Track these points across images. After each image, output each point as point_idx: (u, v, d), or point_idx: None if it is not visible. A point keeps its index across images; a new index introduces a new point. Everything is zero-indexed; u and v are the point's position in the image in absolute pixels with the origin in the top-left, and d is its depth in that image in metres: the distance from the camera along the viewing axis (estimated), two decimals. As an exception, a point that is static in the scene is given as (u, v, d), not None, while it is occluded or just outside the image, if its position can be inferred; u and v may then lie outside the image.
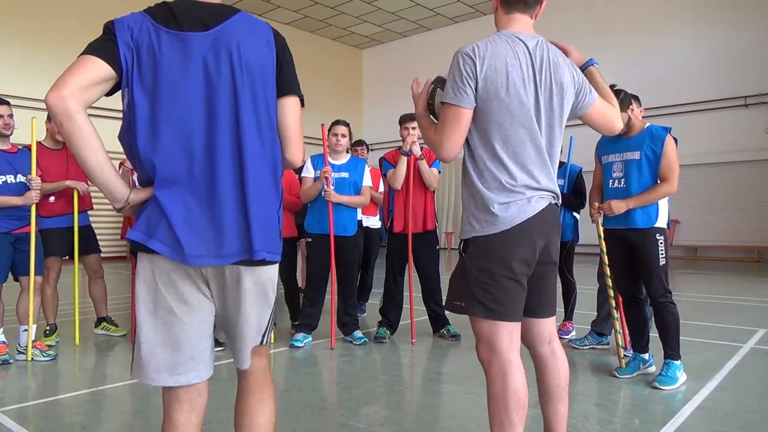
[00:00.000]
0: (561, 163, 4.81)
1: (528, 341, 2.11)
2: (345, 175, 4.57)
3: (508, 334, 1.91)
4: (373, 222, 5.94)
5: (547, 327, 2.10)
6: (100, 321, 4.98)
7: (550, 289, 2.10)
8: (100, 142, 1.44)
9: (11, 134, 4.11)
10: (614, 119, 2.14)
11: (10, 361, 3.96)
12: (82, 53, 1.46)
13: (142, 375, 1.58)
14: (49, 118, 4.58)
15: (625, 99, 3.43)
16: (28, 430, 2.78)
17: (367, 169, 4.76)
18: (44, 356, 4.10)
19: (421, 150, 4.64)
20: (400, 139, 4.78)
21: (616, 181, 3.56)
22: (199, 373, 1.59)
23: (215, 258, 1.51)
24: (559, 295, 4.81)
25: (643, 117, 3.68)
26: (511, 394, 1.87)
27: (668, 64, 12.94)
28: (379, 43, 19.00)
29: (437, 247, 4.89)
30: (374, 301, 5.82)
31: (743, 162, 12.30)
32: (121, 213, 1.56)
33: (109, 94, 1.52)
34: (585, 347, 4.29)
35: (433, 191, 4.85)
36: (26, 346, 4.09)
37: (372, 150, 16.23)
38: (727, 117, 12.50)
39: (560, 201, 2.07)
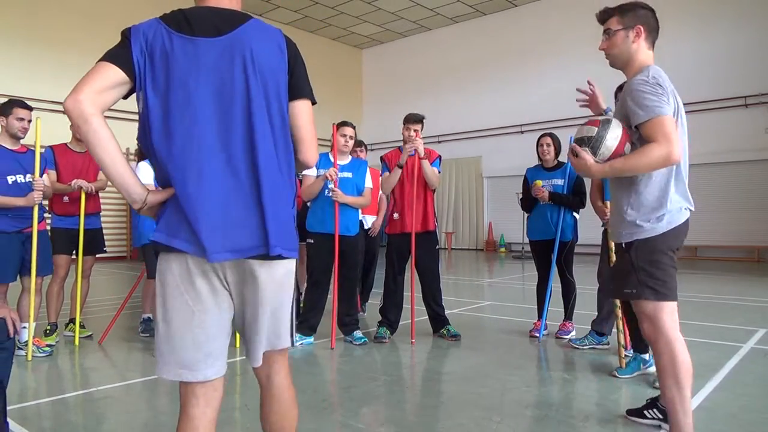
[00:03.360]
0: (561, 164, 4.82)
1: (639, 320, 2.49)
2: (348, 175, 4.58)
3: (671, 313, 2.35)
4: (375, 221, 5.95)
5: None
6: (70, 322, 4.90)
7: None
8: (115, 144, 1.51)
9: (24, 137, 4.19)
10: None
11: None
12: (99, 60, 1.55)
13: (162, 370, 1.61)
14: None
15: None
16: (28, 430, 2.78)
17: (368, 171, 4.78)
18: (41, 352, 4.16)
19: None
20: (401, 138, 4.78)
21: None
22: (216, 369, 1.62)
23: (233, 253, 1.55)
24: (559, 295, 4.82)
25: None
26: (680, 364, 2.30)
27: (668, 64, 12.81)
28: (379, 43, 19.00)
29: (437, 247, 4.90)
30: (374, 301, 5.82)
31: (743, 162, 12.30)
32: (139, 213, 1.62)
33: (126, 97, 1.60)
34: (585, 347, 4.29)
35: (434, 192, 4.86)
36: (26, 343, 4.12)
37: (372, 150, 16.27)
38: (727, 117, 12.50)
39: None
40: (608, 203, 3.69)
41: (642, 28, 2.39)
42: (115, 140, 1.51)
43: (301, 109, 1.70)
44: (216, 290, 1.60)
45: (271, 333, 1.67)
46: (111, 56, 1.54)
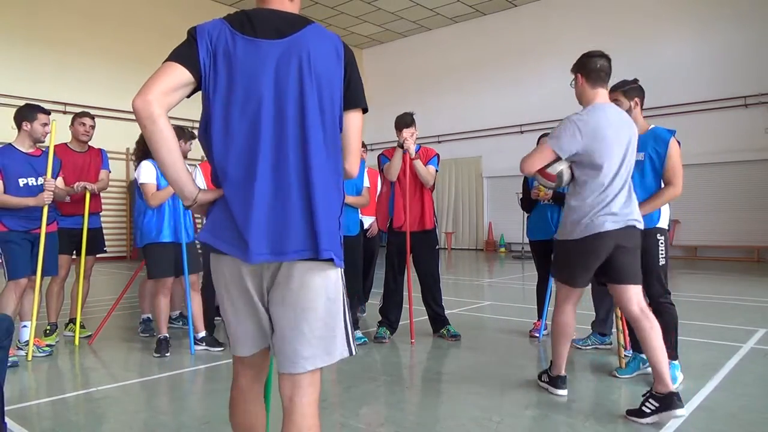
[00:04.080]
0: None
1: (622, 305, 3.08)
2: None
3: (569, 294, 3.17)
4: (373, 222, 5.95)
5: (634, 292, 3.04)
6: (70, 322, 4.91)
7: (629, 265, 3.04)
8: (177, 144, 1.57)
9: (45, 141, 4.24)
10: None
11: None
12: (166, 60, 1.57)
13: (233, 350, 1.76)
14: (73, 122, 4.77)
15: (631, 90, 3.52)
16: (28, 430, 2.78)
17: (365, 170, 4.79)
18: (40, 352, 4.16)
19: (417, 150, 4.65)
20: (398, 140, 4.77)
21: None
22: (256, 348, 1.73)
23: (276, 255, 1.56)
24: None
25: (643, 117, 3.69)
26: (563, 326, 3.19)
27: (668, 64, 12.94)
28: (379, 43, 19.00)
29: (437, 247, 4.90)
30: (374, 301, 5.82)
31: (743, 162, 12.30)
32: (189, 210, 1.69)
33: (189, 96, 1.63)
34: (588, 347, 4.29)
35: (432, 190, 4.85)
36: (26, 342, 4.13)
37: (371, 150, 16.24)
38: (727, 117, 12.50)
39: (641, 224, 3.09)
40: None
41: (580, 75, 3.05)
42: (176, 140, 1.56)
43: (354, 119, 1.71)
44: (258, 290, 1.63)
45: (316, 342, 1.61)
46: (178, 56, 1.57)
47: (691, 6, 13.05)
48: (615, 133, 2.92)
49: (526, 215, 5.13)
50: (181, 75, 1.54)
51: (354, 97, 1.69)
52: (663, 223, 3.49)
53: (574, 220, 2.99)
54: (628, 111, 3.51)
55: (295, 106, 1.58)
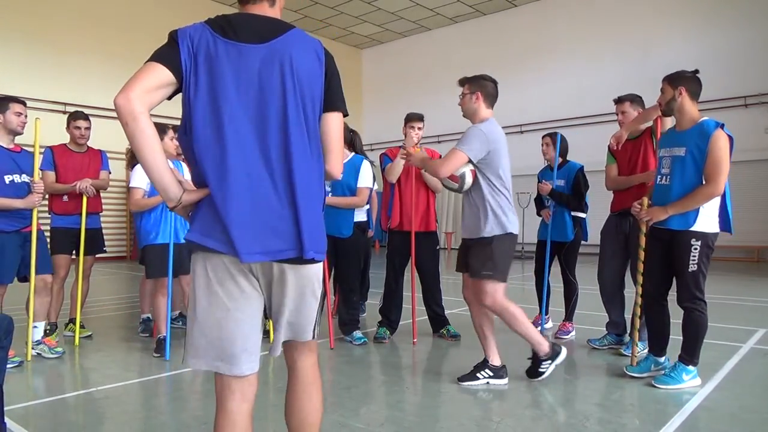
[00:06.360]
0: (562, 163, 4.82)
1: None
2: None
3: (502, 290, 3.41)
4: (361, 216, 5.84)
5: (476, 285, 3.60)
6: (70, 322, 4.91)
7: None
8: (159, 143, 1.56)
9: (23, 132, 4.15)
10: None
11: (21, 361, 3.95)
12: (148, 60, 1.58)
13: (195, 362, 1.66)
14: (68, 125, 4.74)
15: (676, 79, 3.32)
16: (28, 430, 2.78)
17: (364, 169, 4.61)
18: (52, 353, 4.14)
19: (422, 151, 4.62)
20: (401, 138, 4.75)
21: (663, 177, 3.38)
22: (252, 365, 1.68)
23: (264, 254, 1.60)
24: (560, 295, 4.82)
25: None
26: (517, 313, 3.42)
27: (668, 64, 12.85)
28: (379, 43, 19.00)
29: (437, 248, 4.89)
30: (374, 301, 5.82)
31: (743, 162, 12.26)
32: (173, 212, 1.67)
33: (170, 98, 1.63)
34: (604, 347, 4.30)
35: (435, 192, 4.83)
36: (38, 342, 4.13)
37: (372, 150, 16.24)
38: (727, 117, 12.41)
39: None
40: (645, 200, 3.50)
41: (480, 93, 3.39)
42: (158, 139, 1.55)
43: (333, 120, 1.74)
44: (251, 288, 1.67)
45: (294, 328, 1.75)
46: (160, 56, 1.58)
47: (691, 6, 13.05)
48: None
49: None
50: (162, 74, 1.55)
51: (333, 100, 1.72)
52: (703, 226, 3.27)
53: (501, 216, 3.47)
54: (672, 100, 3.31)
55: (277, 109, 1.61)
